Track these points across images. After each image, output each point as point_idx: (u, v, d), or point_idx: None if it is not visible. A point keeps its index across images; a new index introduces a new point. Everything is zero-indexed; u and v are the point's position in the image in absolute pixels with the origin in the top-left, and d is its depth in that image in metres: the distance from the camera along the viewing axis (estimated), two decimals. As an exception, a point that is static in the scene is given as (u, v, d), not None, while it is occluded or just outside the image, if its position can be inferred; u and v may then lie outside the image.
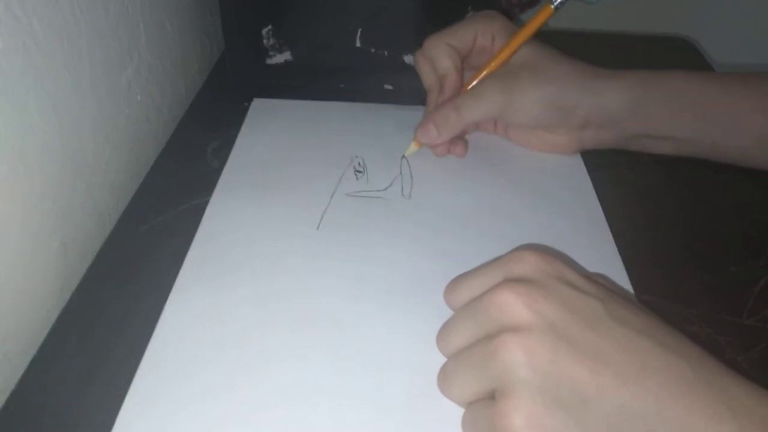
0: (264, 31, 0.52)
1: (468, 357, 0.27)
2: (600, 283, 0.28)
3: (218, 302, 0.33)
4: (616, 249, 0.37)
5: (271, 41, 0.53)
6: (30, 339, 0.33)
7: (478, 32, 0.43)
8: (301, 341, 0.31)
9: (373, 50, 0.53)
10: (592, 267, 0.34)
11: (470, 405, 0.27)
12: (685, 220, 0.41)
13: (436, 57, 0.43)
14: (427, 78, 0.44)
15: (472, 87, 0.42)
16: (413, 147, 0.44)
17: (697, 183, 0.44)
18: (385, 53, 0.53)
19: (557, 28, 0.66)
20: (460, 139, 0.45)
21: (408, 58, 0.53)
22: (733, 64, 0.82)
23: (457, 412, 0.27)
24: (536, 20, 0.41)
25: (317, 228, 0.38)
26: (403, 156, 0.45)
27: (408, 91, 0.51)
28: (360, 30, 0.52)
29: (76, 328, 0.32)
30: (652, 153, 0.45)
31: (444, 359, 0.29)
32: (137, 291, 0.34)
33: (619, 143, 0.44)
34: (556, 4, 0.41)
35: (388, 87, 0.55)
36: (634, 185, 0.44)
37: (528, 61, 0.42)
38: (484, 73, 0.42)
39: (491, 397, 0.25)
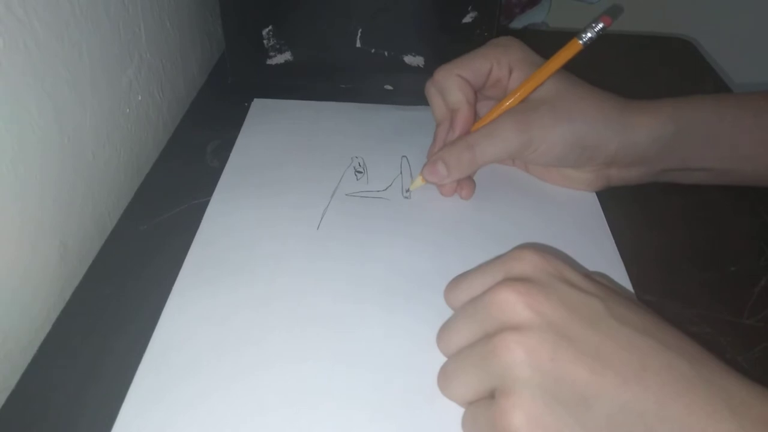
0: (264, 32, 0.52)
1: (468, 356, 0.27)
2: (600, 282, 0.28)
3: (218, 302, 0.33)
4: (616, 248, 0.37)
5: (272, 42, 0.53)
6: (30, 339, 0.33)
7: (493, 64, 0.40)
8: (301, 342, 0.31)
9: (373, 50, 0.53)
10: (592, 266, 0.34)
11: (470, 405, 0.27)
12: (685, 220, 0.41)
13: (447, 90, 0.40)
14: (437, 110, 0.41)
15: (487, 125, 0.39)
16: (419, 182, 0.41)
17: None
18: (385, 53, 0.53)
19: (557, 28, 0.66)
20: (468, 179, 0.41)
21: (408, 58, 0.53)
22: (733, 64, 0.83)
23: (457, 412, 0.27)
24: (562, 56, 0.37)
25: (317, 228, 0.38)
26: (405, 157, 0.44)
27: (408, 91, 0.51)
28: (360, 30, 0.52)
29: (76, 328, 0.32)
30: (688, 184, 0.42)
31: (444, 359, 0.29)
32: (137, 291, 0.34)
33: (648, 178, 0.41)
34: (585, 40, 0.37)
35: (388, 87, 0.55)
36: (634, 185, 0.44)
37: (548, 96, 0.38)
38: (502, 109, 0.39)
39: (491, 396, 0.25)
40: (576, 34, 0.37)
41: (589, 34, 0.37)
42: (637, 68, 0.60)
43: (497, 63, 0.40)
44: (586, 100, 0.38)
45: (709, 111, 0.39)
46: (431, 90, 0.41)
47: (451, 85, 0.40)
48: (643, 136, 0.38)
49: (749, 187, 0.42)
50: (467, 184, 0.41)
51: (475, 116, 0.40)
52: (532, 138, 0.38)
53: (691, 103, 0.39)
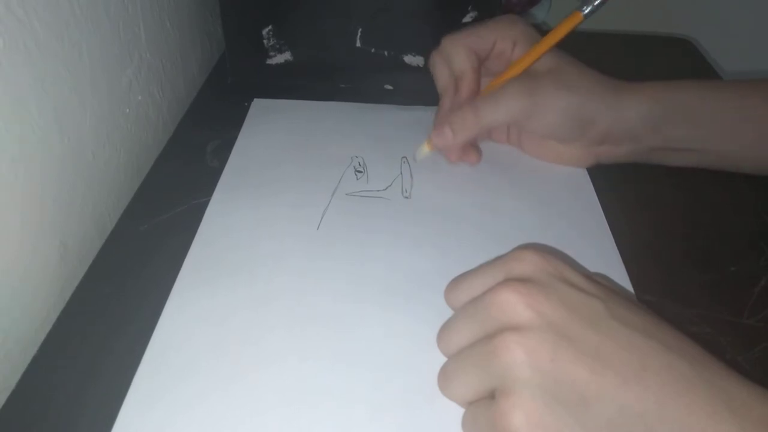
0: (264, 32, 0.52)
1: (468, 356, 0.27)
2: (601, 282, 0.28)
3: (218, 302, 0.33)
4: (616, 249, 0.37)
5: (272, 41, 0.53)
6: (30, 339, 0.33)
7: (498, 36, 0.42)
8: (301, 342, 0.31)
9: (373, 50, 0.53)
10: (592, 267, 0.34)
11: (470, 405, 0.27)
12: (685, 220, 0.41)
13: (453, 57, 0.41)
14: (442, 79, 0.43)
15: (492, 91, 0.40)
16: (425, 150, 0.42)
17: (697, 182, 0.44)
18: (385, 53, 0.53)
19: (557, 28, 0.66)
20: (472, 146, 0.43)
21: (408, 58, 0.53)
22: (733, 64, 0.83)
23: (457, 412, 0.27)
24: (563, 27, 0.39)
25: (317, 228, 0.38)
26: (405, 158, 0.44)
27: (408, 91, 0.51)
28: (360, 30, 0.52)
29: (76, 328, 0.32)
30: (672, 165, 0.43)
31: (444, 359, 0.29)
32: (137, 291, 0.34)
33: (635, 157, 0.43)
34: (585, 12, 0.39)
35: (388, 87, 0.55)
36: (635, 185, 0.44)
37: (551, 68, 0.40)
38: (505, 78, 0.41)
39: (492, 396, 0.25)
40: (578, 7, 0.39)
41: (589, 7, 0.38)
42: (637, 68, 0.60)
43: (501, 35, 0.42)
44: (585, 74, 0.41)
45: (692, 93, 0.41)
46: (436, 59, 0.43)
47: (457, 52, 0.41)
48: (631, 114, 0.40)
49: (746, 181, 0.43)
50: (472, 150, 0.43)
51: (479, 84, 0.42)
52: (535, 103, 0.40)
53: (676, 85, 0.41)
